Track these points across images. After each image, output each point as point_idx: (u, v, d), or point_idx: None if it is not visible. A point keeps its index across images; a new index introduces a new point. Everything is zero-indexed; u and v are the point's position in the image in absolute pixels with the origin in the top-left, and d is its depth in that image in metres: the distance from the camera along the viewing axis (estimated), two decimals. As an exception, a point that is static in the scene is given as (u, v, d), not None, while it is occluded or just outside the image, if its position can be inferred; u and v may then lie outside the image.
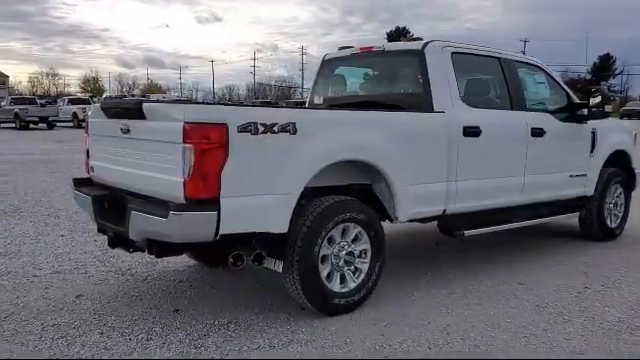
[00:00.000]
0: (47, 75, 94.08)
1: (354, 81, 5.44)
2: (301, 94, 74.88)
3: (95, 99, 43.70)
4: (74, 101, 34.93)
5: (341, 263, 3.83)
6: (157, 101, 4.33)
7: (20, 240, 5.89)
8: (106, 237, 4.18)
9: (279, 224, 3.50)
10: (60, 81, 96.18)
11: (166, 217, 3.21)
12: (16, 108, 30.14)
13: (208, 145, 3.20)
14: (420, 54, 4.52)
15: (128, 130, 3.67)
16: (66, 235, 6.13)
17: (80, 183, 4.32)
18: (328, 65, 5.46)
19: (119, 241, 3.87)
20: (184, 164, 3.21)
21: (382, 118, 4.10)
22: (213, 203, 3.24)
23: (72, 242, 5.82)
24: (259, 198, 3.41)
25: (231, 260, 3.54)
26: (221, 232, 3.29)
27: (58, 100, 38.79)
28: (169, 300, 4.19)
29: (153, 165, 3.49)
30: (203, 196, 3.23)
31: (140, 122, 3.54)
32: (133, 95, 55.58)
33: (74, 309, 3.98)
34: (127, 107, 3.72)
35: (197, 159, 3.17)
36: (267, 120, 3.41)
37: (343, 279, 3.89)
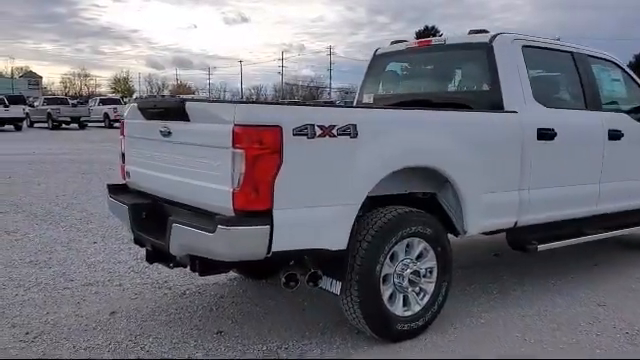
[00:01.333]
0: (79, 76, 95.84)
1: (409, 78, 4.98)
2: (329, 94, 74.39)
3: (125, 99, 44.04)
4: (105, 101, 35.12)
5: (405, 283, 3.38)
6: (201, 100, 3.94)
7: (51, 247, 5.60)
8: (139, 246, 3.86)
9: (338, 240, 3.08)
10: (91, 82, 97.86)
11: (213, 232, 2.82)
12: (49, 108, 30.47)
13: (260, 150, 2.79)
14: (488, 48, 4.05)
15: (169, 133, 3.29)
16: (99, 242, 5.82)
17: (115, 190, 3.96)
18: (379, 60, 5.02)
19: (158, 255, 3.50)
20: (233, 172, 2.81)
21: (451, 119, 3.65)
22: (265, 216, 2.84)
23: (105, 250, 5.51)
24: (316, 210, 3.00)
25: (283, 280, 3.14)
26: (274, 249, 2.88)
27: (89, 100, 39.16)
28: (211, 319, 3.80)
29: (197, 172, 3.11)
30: (254, 208, 2.83)
31: (183, 124, 3.16)
32: (163, 96, 55.97)
33: (108, 329, 3.62)
34: (168, 107, 3.34)
35: (248, 166, 2.77)
36: (325, 122, 2.99)
37: (406, 301, 3.45)
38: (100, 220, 6.82)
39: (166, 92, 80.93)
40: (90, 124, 31.93)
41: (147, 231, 3.48)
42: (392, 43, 4.96)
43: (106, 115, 31.89)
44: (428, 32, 58.41)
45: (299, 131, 2.89)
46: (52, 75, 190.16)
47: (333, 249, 3.07)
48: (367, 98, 5.03)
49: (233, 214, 2.85)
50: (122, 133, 4.01)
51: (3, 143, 20.00)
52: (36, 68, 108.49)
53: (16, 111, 28.36)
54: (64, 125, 30.50)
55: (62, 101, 33.21)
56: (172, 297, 4.23)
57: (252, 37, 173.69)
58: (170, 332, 3.57)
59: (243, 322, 3.76)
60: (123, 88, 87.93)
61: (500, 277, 4.75)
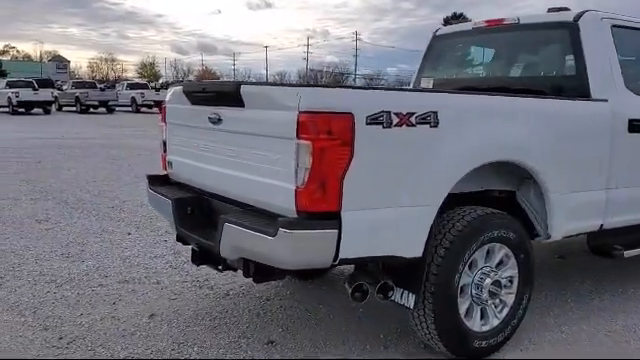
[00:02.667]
0: (106, 60, 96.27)
1: (475, 61, 4.52)
2: (354, 81, 73.43)
3: (152, 84, 44.05)
4: (133, 86, 35.05)
5: (484, 295, 2.96)
6: (258, 84, 3.55)
7: (83, 238, 5.31)
8: (182, 244, 3.53)
9: (414, 246, 2.67)
10: (118, 66, 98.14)
11: (274, 235, 2.44)
12: (77, 92, 30.52)
13: (329, 142, 2.39)
14: (572, 27, 3.58)
15: (219, 120, 2.91)
16: (133, 233, 5.51)
17: (156, 181, 3.60)
18: (440, 42, 4.56)
19: (205, 257, 3.14)
20: (297, 167, 2.42)
21: (541, 107, 3.19)
22: (333, 218, 2.44)
23: (140, 242, 5.19)
24: (389, 212, 2.59)
25: (349, 291, 2.76)
26: (341, 256, 2.49)
27: (117, 85, 39.17)
28: (259, 326, 3.45)
29: (252, 166, 2.73)
30: (321, 209, 2.44)
31: (236, 110, 2.78)
32: (189, 81, 55.95)
33: (148, 334, 3.29)
34: (219, 91, 2.96)
35: (315, 160, 2.38)
36: (402, 108, 2.57)
37: (484, 315, 3.03)
38: (133, 209, 6.53)
39: (192, 77, 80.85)
40: (118, 108, 31.90)
41: (193, 229, 3.12)
42: (455, 23, 4.49)
43: (133, 99, 31.84)
44: (456, 18, 57.18)
45: (373, 119, 2.49)
46: (79, 59, 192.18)
47: (408, 256, 2.67)
48: (425, 83, 4.58)
49: (295, 215, 2.47)
50: (163, 119, 3.64)
51: (32, 126, 20.00)
52: (64, 52, 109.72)
53: (45, 94, 28.51)
54: (92, 109, 30.52)
55: (90, 85, 33.22)
56: (214, 298, 3.89)
57: (276, 23, 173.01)
58: (216, 340, 3.23)
59: (295, 331, 3.39)
60: (149, 73, 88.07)
61: (572, 283, 4.29)
